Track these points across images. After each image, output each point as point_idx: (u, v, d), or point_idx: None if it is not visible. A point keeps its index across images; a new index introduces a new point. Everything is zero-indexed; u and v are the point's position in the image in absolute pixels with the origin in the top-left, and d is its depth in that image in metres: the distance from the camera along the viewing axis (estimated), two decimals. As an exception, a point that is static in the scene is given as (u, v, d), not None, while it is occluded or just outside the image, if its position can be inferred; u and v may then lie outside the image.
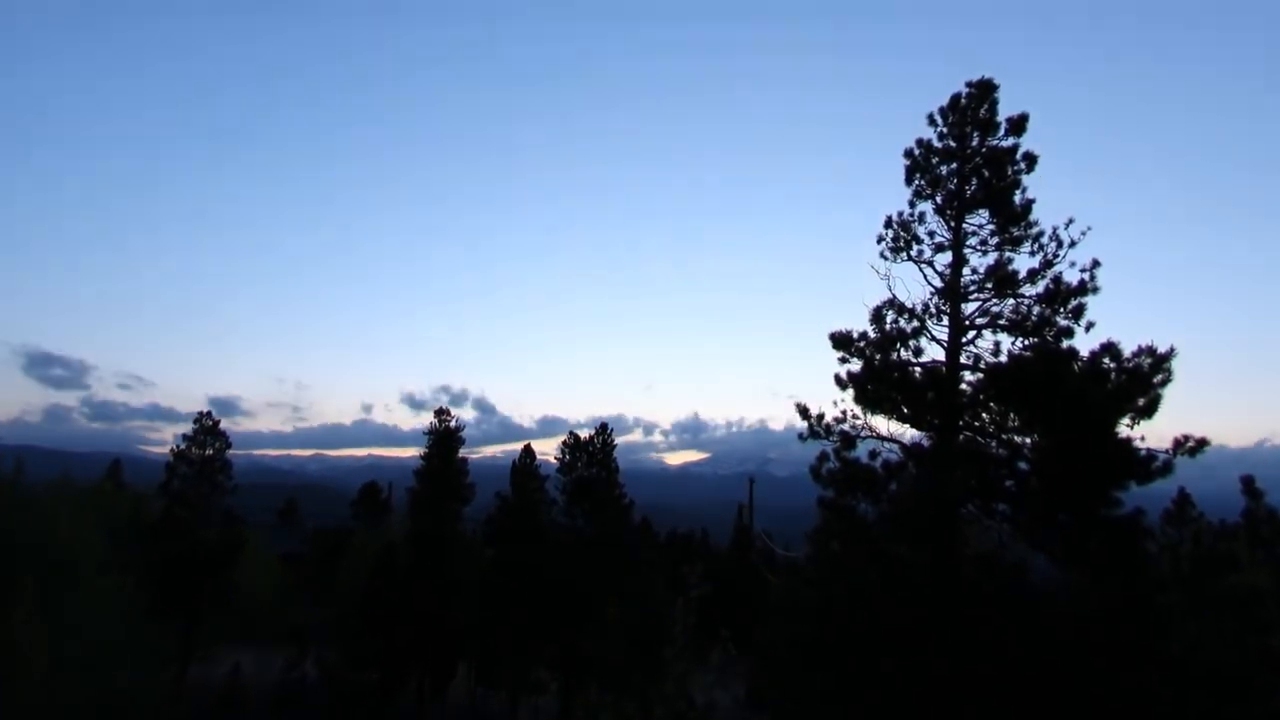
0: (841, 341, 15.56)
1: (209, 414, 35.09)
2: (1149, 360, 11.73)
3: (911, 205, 15.14)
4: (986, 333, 13.96)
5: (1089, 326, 12.87)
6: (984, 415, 13.58)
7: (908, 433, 14.62)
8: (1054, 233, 13.29)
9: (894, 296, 15.10)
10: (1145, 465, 11.38)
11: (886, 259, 15.39)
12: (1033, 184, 13.77)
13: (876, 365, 14.95)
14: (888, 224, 15.42)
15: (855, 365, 15.28)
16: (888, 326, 15.06)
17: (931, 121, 14.84)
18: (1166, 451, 11.50)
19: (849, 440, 15.28)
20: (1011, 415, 13.09)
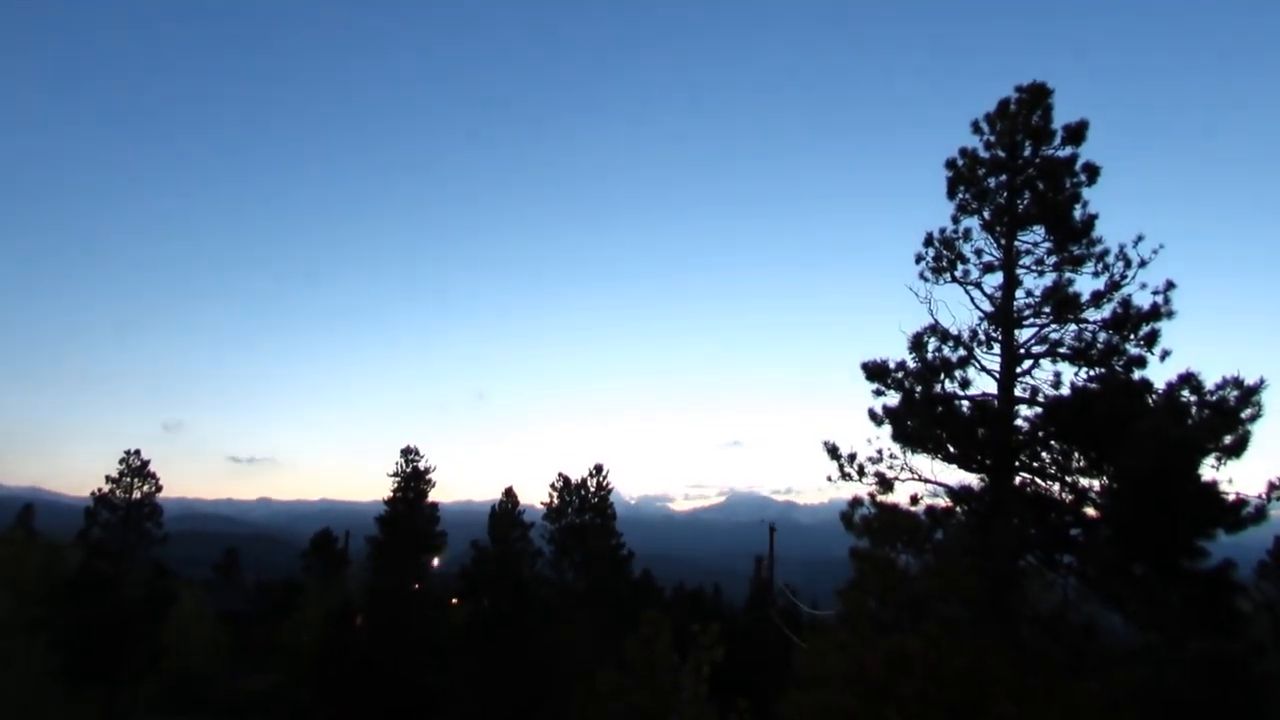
0: (876, 372, 15.35)
1: (137, 452, 34.23)
2: (1236, 393, 11.58)
3: (955, 221, 15.10)
4: (1045, 362, 13.84)
5: (1164, 355, 12.74)
6: (1044, 454, 13.38)
7: (955, 474, 14.39)
8: (1121, 251, 13.23)
9: (936, 322, 14.98)
10: (1234, 511, 11.15)
11: (927, 280, 15.30)
12: (1095, 197, 13.76)
13: (917, 398, 14.73)
14: (928, 241, 15.34)
15: (892, 398, 15.08)
16: (930, 355, 14.89)
17: (976, 129, 14.86)
18: (1259, 496, 11.28)
19: (886, 483, 15.02)
20: (1076, 454, 12.89)
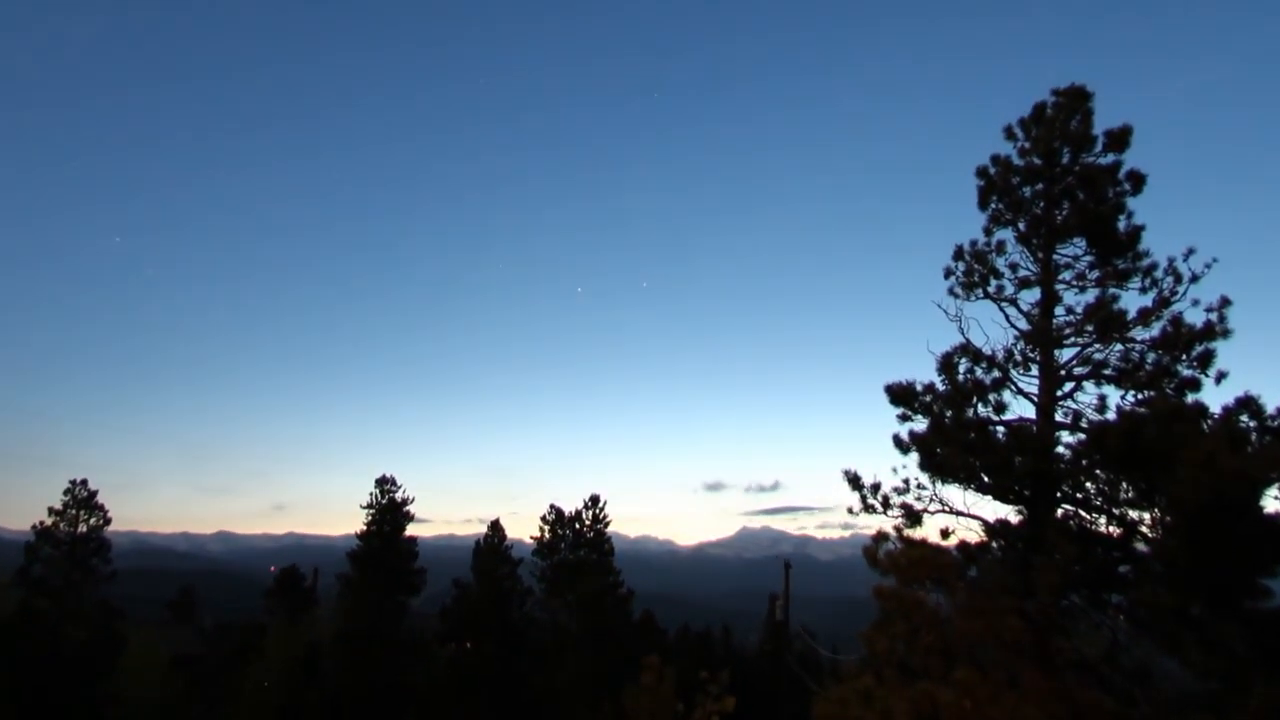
0: (901, 395, 15.19)
1: (84, 482, 33.71)
2: (1300, 418, 11.47)
3: (987, 232, 15.11)
4: (1088, 384, 13.74)
5: (1220, 377, 12.65)
6: (1088, 485, 13.19)
7: (990, 506, 14.19)
8: (1170, 265, 13.22)
9: (968, 341, 14.91)
10: (1300, 547, 10.96)
11: (957, 296, 15.27)
12: (1140, 208, 13.80)
13: (947, 424, 14.56)
14: (958, 254, 15.33)
15: (920, 423, 14.91)
16: (961, 377, 14.77)
17: (1010, 135, 14.91)
18: (1327, 530, 11.11)
19: (913, 515, 14.80)
20: (1124, 485, 12.70)
